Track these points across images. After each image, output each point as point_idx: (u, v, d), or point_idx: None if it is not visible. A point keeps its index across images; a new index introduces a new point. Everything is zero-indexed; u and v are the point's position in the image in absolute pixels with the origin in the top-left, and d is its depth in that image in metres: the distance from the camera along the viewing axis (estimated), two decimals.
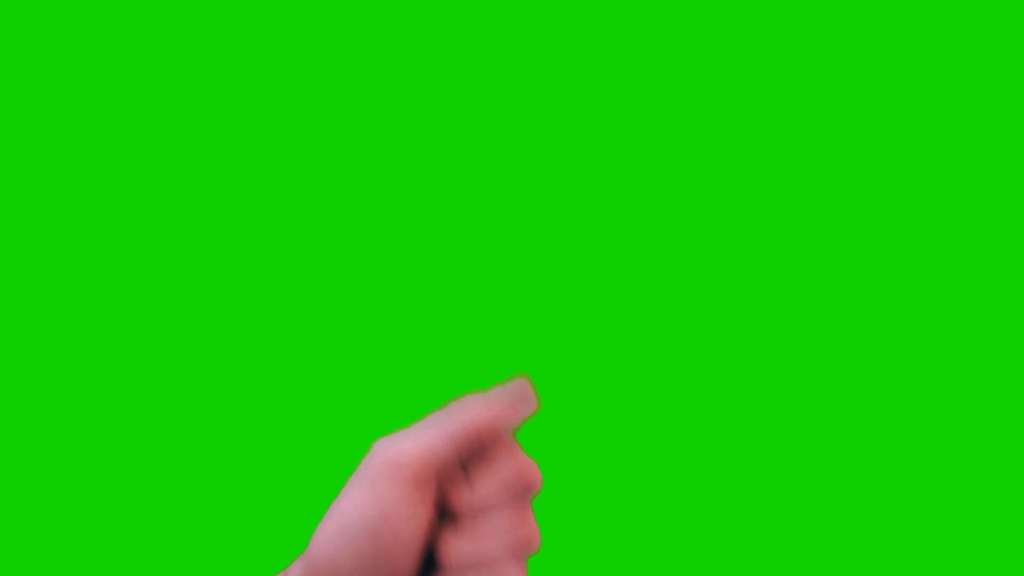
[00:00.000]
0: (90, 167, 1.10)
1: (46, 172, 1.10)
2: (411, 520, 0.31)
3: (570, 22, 1.12)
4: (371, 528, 0.31)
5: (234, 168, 1.11)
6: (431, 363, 1.08)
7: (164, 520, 1.03)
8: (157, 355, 1.07)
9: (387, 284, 1.10)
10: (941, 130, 1.09)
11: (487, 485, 0.33)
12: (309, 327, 1.09)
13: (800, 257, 1.08)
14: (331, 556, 0.31)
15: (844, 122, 1.10)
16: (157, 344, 1.07)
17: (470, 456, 0.34)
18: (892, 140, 1.10)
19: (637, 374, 1.06)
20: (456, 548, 0.32)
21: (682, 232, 1.09)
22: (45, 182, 1.10)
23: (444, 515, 0.34)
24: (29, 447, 1.04)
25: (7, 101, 1.10)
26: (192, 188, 1.10)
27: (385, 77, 1.12)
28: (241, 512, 1.04)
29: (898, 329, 1.06)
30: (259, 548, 1.08)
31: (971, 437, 1.03)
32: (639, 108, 1.11)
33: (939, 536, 1.01)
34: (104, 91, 1.11)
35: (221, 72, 1.12)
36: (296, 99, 1.11)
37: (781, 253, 1.08)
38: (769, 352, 1.06)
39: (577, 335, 1.07)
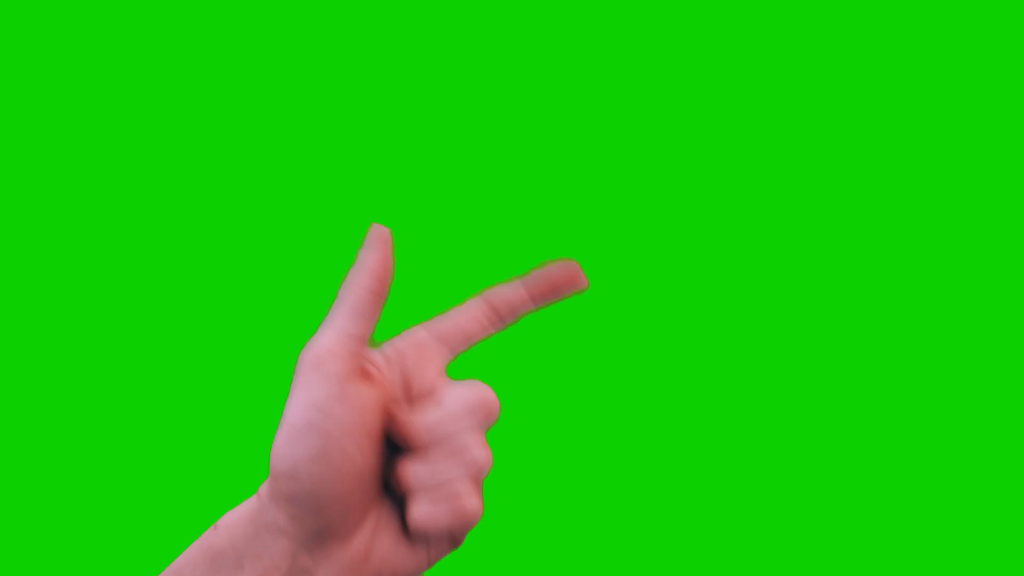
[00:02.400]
0: (81, 166, 1.11)
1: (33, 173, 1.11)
2: (351, 405, 0.32)
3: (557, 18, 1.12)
4: (314, 424, 0.31)
5: (218, 167, 1.11)
6: None
7: (158, 519, 1.04)
8: (151, 354, 1.08)
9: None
10: (941, 130, 1.09)
11: (440, 409, 0.34)
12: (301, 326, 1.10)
13: (797, 256, 1.08)
14: (288, 464, 0.31)
15: (843, 122, 1.10)
16: (151, 343, 1.08)
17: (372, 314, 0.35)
18: (892, 140, 1.10)
19: (631, 372, 1.06)
20: (411, 469, 0.33)
21: (674, 231, 1.09)
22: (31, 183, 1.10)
23: (398, 448, 0.36)
24: (25, 446, 1.05)
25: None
26: (181, 188, 1.10)
27: (372, 77, 1.12)
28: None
29: (895, 330, 1.06)
30: None
31: (971, 437, 1.03)
32: (632, 108, 1.12)
33: (938, 536, 1.01)
34: (96, 91, 1.11)
35: (210, 71, 1.12)
36: (279, 99, 1.11)
37: (778, 252, 1.08)
38: (760, 350, 1.06)
39: (574, 333, 1.08)
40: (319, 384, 0.32)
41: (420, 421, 0.33)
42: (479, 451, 0.34)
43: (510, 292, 0.37)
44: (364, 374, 0.34)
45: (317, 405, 0.31)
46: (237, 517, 0.32)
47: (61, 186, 1.11)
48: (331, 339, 0.33)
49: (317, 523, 0.32)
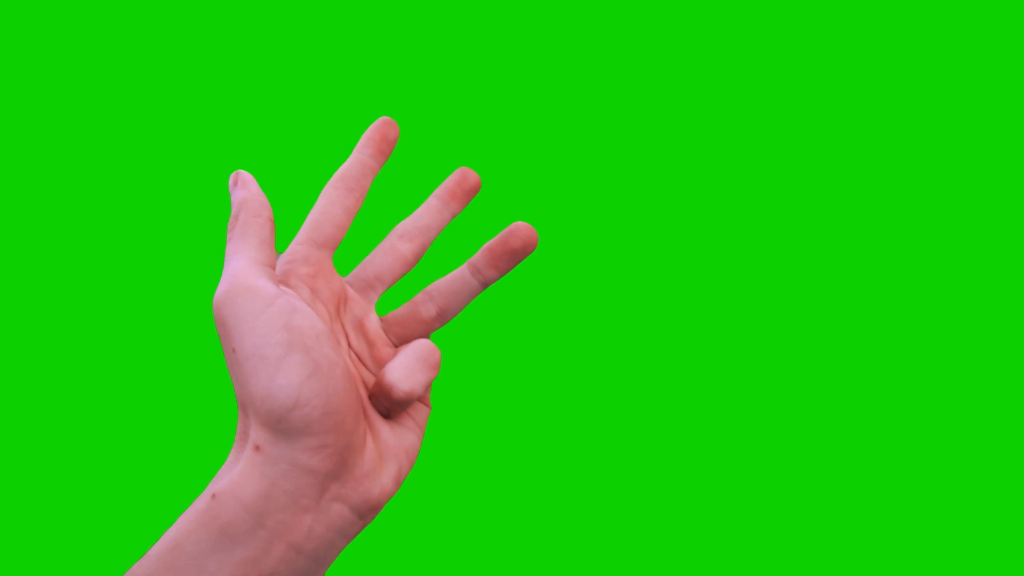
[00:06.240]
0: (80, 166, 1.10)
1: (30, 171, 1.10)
2: (305, 312, 0.31)
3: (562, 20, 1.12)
4: (291, 343, 0.30)
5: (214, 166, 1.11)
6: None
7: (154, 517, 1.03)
8: (149, 354, 1.07)
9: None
10: (941, 130, 1.09)
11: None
12: None
13: (799, 256, 1.08)
14: (288, 394, 0.30)
15: (844, 123, 1.10)
16: (149, 342, 1.07)
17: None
18: (891, 140, 1.10)
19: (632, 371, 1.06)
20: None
21: (676, 231, 1.09)
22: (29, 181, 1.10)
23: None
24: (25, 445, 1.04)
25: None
26: (182, 187, 1.10)
27: (374, 76, 1.12)
28: None
29: (895, 329, 1.06)
30: None
31: (971, 437, 1.03)
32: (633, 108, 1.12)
33: (938, 536, 1.01)
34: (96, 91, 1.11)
35: (213, 72, 1.12)
36: (279, 99, 1.11)
37: (778, 252, 1.08)
38: (762, 350, 1.06)
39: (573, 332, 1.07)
40: (268, 308, 0.31)
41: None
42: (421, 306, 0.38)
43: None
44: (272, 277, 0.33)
45: (282, 326, 0.30)
46: (240, 478, 0.30)
47: (56, 186, 1.11)
48: (248, 268, 0.32)
49: (339, 440, 0.30)
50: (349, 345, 0.37)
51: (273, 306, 0.31)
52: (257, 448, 0.31)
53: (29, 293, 1.08)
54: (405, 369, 0.33)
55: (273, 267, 0.33)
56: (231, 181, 0.35)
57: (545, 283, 1.09)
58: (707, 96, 1.10)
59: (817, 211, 1.09)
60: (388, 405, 0.34)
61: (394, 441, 0.34)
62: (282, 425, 0.30)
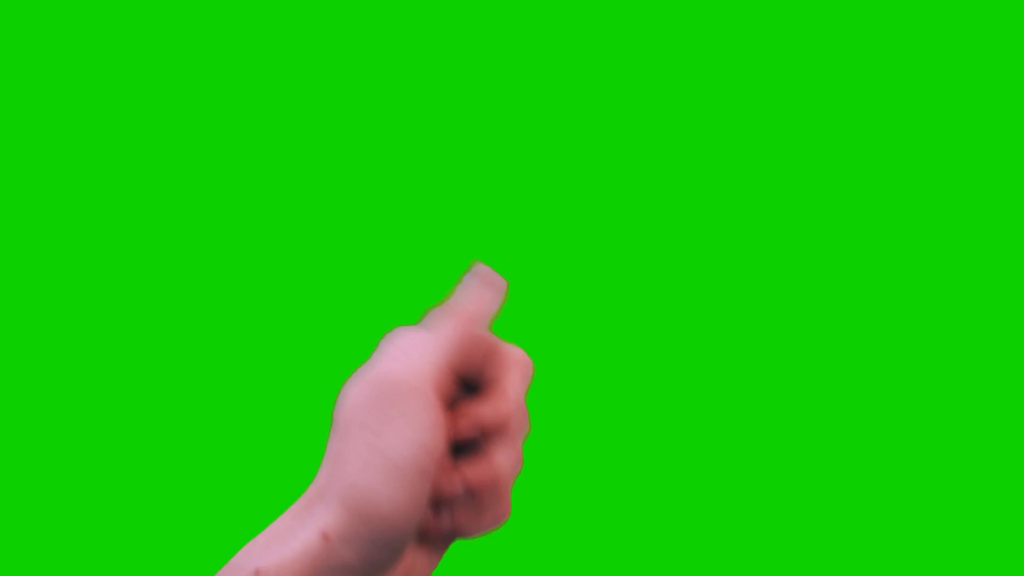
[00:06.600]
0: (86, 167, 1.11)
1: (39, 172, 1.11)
2: (441, 437, 0.31)
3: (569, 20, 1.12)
4: (421, 467, 0.30)
5: (228, 168, 1.11)
6: None
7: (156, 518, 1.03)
8: (153, 355, 1.07)
9: (386, 285, 1.10)
10: (941, 130, 1.09)
11: (505, 400, 0.33)
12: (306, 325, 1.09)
13: (799, 257, 1.08)
14: (391, 507, 0.30)
15: (844, 123, 1.10)
16: (153, 344, 1.07)
17: (469, 362, 0.35)
18: (891, 140, 1.10)
19: (634, 373, 1.06)
20: (473, 468, 0.33)
21: (680, 232, 1.09)
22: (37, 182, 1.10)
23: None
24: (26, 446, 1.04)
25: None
26: (190, 188, 1.10)
27: (379, 77, 1.12)
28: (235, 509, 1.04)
29: (897, 329, 1.06)
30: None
31: (971, 437, 1.03)
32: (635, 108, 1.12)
33: (938, 536, 1.00)
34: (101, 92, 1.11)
35: (218, 72, 1.12)
36: (290, 99, 1.11)
37: (780, 253, 1.08)
38: (766, 351, 1.06)
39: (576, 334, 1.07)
40: (424, 417, 0.30)
41: (489, 415, 0.33)
42: (519, 456, 0.34)
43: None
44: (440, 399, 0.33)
45: (422, 444, 0.30)
46: (291, 565, 0.30)
47: (60, 187, 1.11)
48: (434, 367, 0.31)
49: (384, 556, 0.31)
50: None
51: (429, 419, 0.30)
52: (326, 538, 0.30)
53: (86, 339, 1.08)
54: (474, 513, 0.33)
55: (448, 375, 0.32)
56: (480, 271, 0.34)
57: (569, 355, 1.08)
58: (704, 104, 1.10)
59: (812, 219, 1.09)
60: (438, 538, 0.34)
61: (419, 566, 0.34)
62: (359, 527, 0.30)
